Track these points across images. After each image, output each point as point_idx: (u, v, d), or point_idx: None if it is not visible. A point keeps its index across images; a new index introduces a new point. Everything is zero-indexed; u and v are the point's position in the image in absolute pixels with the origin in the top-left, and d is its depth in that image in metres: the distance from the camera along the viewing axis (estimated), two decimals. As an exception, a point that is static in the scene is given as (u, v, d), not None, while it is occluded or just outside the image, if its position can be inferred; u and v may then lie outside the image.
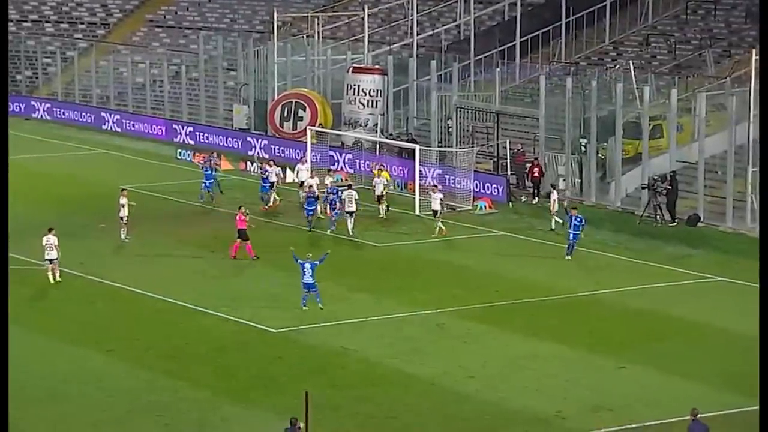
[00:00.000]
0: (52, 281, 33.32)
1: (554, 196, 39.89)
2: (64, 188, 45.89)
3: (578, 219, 35.77)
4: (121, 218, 37.76)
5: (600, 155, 44.30)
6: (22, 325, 29.83)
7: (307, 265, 30.84)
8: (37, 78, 64.69)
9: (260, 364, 27.46)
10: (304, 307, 30.91)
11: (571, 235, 35.69)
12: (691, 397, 25.04)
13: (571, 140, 44.94)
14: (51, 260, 33.42)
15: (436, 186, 41.01)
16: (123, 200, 37.89)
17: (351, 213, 38.70)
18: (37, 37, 65.96)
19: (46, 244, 33.50)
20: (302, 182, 42.61)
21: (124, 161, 51.86)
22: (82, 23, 67.87)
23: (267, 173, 42.84)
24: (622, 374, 26.96)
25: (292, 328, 29.89)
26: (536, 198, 44.33)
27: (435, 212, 39.32)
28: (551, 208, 39.57)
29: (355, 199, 38.87)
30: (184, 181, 44.84)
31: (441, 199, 39.50)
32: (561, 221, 38.03)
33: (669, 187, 40.89)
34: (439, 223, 38.84)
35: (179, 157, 52.01)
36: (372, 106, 49.76)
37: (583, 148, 44.43)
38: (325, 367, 27.16)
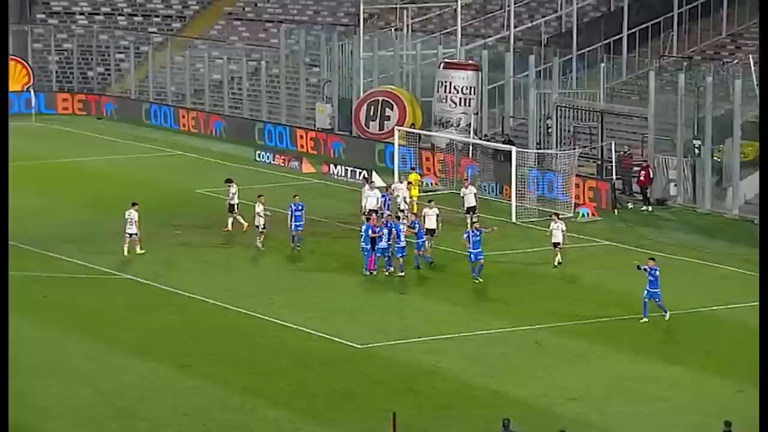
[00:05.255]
0: (127, 253, 36.47)
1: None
2: (138, 193, 46.40)
3: (653, 271, 31.09)
4: (257, 227, 37.24)
5: (716, 158, 43.75)
6: (95, 338, 30.24)
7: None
8: (109, 75, 65.69)
9: (344, 382, 27.51)
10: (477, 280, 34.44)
11: (647, 293, 31.18)
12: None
13: (684, 142, 44.44)
14: (131, 234, 36.58)
15: (557, 214, 37.54)
16: (259, 208, 37.43)
17: (432, 231, 36.64)
18: (110, 31, 67.07)
19: (128, 219, 36.48)
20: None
21: (202, 163, 52.40)
22: (157, 16, 68.82)
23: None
24: (740, 398, 26.54)
25: (378, 344, 29.91)
26: (647, 205, 43.86)
27: (555, 244, 36.12)
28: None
29: (437, 216, 37.10)
30: (265, 186, 45.10)
31: (563, 231, 36.11)
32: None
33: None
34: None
35: (258, 159, 52.42)
36: (465, 105, 49.68)
37: (696, 151, 43.91)
38: (414, 386, 27.11)
